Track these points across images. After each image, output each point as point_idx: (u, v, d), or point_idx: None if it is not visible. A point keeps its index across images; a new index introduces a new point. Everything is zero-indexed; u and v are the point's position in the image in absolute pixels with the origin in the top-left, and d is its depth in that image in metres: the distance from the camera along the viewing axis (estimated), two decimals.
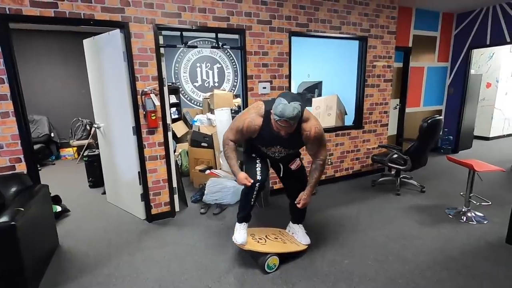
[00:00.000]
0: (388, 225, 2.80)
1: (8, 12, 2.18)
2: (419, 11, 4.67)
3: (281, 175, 2.34)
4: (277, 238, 2.35)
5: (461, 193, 3.05)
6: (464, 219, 2.85)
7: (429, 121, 3.22)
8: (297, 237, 2.41)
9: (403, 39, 4.65)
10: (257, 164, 2.17)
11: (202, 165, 3.92)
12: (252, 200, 2.17)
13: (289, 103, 1.76)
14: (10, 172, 2.37)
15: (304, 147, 2.14)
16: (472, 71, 5.19)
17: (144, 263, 2.29)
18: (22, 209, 1.90)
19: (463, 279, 2.02)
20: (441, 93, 5.43)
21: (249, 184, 2.06)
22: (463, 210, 2.94)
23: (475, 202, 2.97)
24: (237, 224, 2.23)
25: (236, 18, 2.98)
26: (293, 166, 2.28)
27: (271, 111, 1.86)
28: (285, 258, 2.26)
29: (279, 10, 3.18)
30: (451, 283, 1.99)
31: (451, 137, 5.39)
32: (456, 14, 5.07)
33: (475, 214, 2.90)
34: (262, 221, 2.86)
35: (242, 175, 2.09)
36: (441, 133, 4.05)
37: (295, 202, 2.20)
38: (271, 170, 2.42)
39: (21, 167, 2.41)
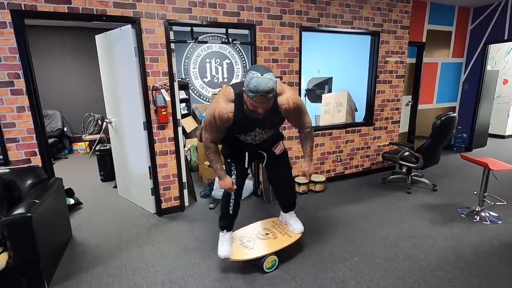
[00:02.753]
0: (399, 224, 2.76)
1: (23, 9, 2.23)
2: (434, 5, 4.54)
3: (264, 163, 2.20)
4: (268, 234, 2.28)
5: (475, 192, 2.98)
6: (478, 219, 2.78)
7: (443, 118, 3.15)
8: (289, 225, 2.34)
9: (417, 34, 4.53)
10: (233, 172, 2.10)
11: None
12: (231, 209, 2.12)
13: (262, 75, 1.59)
14: (26, 165, 2.44)
15: (288, 122, 2.04)
16: (488, 67, 5.04)
17: (154, 256, 2.33)
18: (38, 201, 1.96)
19: (476, 280, 1.98)
20: (455, 89, 5.29)
21: (233, 190, 2.04)
22: (477, 209, 2.87)
23: (489, 202, 2.90)
24: (220, 234, 2.17)
25: (247, 13, 2.96)
26: (277, 150, 2.14)
27: (244, 89, 1.69)
28: (293, 252, 2.26)
29: (290, 5, 3.14)
30: (463, 283, 1.96)
31: (465, 135, 5.26)
32: (473, 8, 4.91)
33: (489, 214, 2.83)
34: (266, 215, 2.85)
35: (228, 180, 2.00)
36: (454, 131, 3.96)
37: (302, 174, 2.09)
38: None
39: (36, 161, 2.47)
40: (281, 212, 2.44)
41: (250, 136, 1.96)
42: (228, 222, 2.18)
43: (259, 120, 1.83)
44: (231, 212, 2.14)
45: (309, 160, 2.08)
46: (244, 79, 1.71)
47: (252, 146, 2.04)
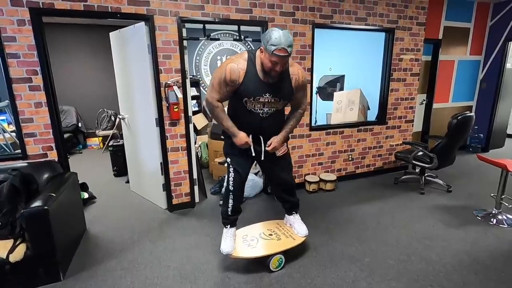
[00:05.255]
0: (411, 225, 2.71)
1: (41, 6, 2.28)
2: (451, 1, 4.40)
3: (262, 156, 2.03)
4: (271, 235, 2.24)
5: (492, 194, 2.89)
6: (494, 222, 2.71)
7: (459, 118, 3.06)
8: (293, 228, 2.29)
9: (433, 31, 4.41)
10: (231, 174, 2.03)
11: (222, 158, 3.96)
12: (230, 209, 2.09)
13: (281, 30, 1.65)
14: (43, 160, 2.50)
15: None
16: (508, 65, 4.86)
17: (166, 251, 2.36)
18: (54, 194, 2.01)
19: (493, 284, 1.93)
20: (472, 88, 5.13)
21: (250, 144, 1.93)
22: (493, 212, 2.79)
23: (507, 204, 2.81)
24: (224, 230, 2.16)
25: (259, 10, 2.94)
26: (279, 152, 2.06)
27: (261, 47, 1.72)
28: (303, 251, 2.26)
29: (303, 1, 3.10)
30: (479, 287, 1.91)
31: (482, 135, 5.10)
32: (493, 3, 4.73)
33: (506, 217, 2.75)
34: (275, 213, 2.85)
35: (242, 135, 1.90)
36: (471, 131, 3.86)
37: (266, 148, 1.99)
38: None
39: (53, 155, 2.54)
40: (286, 214, 2.39)
41: (259, 103, 1.85)
42: (230, 221, 2.16)
43: (270, 84, 1.81)
44: (229, 213, 2.13)
45: (284, 134, 2.01)
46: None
47: (258, 120, 1.91)
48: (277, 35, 1.62)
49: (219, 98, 1.86)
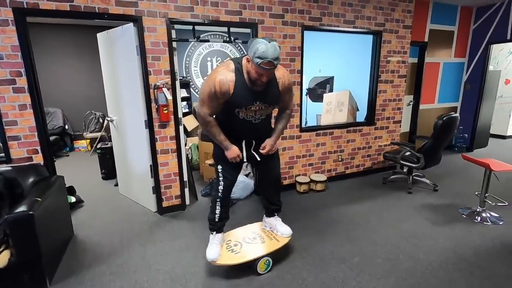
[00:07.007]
0: (400, 224, 2.76)
1: (25, 6, 2.22)
2: (436, 5, 4.52)
3: (258, 159, 2.06)
4: (255, 238, 2.23)
5: (476, 193, 2.97)
6: (479, 219, 2.78)
7: (444, 119, 3.14)
8: (276, 231, 2.28)
9: (419, 34, 4.51)
10: (221, 182, 2.05)
11: (212, 160, 3.94)
12: (217, 216, 2.08)
13: (269, 42, 1.62)
14: (28, 163, 2.44)
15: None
16: (491, 67, 5.02)
17: (156, 254, 2.33)
18: (40, 199, 1.96)
19: (478, 280, 1.99)
20: (457, 89, 5.27)
21: (239, 159, 1.97)
22: (478, 210, 2.87)
23: (490, 202, 2.90)
24: (210, 236, 2.15)
25: (249, 12, 2.95)
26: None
27: (247, 57, 1.70)
28: (293, 252, 2.27)
29: (292, 4, 3.13)
30: (464, 283, 1.96)
31: (466, 135, 5.25)
32: (476, 7, 4.88)
33: (490, 214, 2.83)
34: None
35: (235, 148, 1.94)
36: (456, 131, 3.96)
37: (260, 150, 2.02)
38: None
39: (38, 159, 2.48)
40: (264, 218, 2.37)
41: (251, 111, 1.86)
42: (217, 227, 2.15)
43: (259, 92, 1.82)
44: (217, 220, 2.11)
45: (276, 136, 2.06)
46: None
47: (251, 126, 1.93)
48: (264, 48, 1.59)
49: (211, 112, 1.85)
